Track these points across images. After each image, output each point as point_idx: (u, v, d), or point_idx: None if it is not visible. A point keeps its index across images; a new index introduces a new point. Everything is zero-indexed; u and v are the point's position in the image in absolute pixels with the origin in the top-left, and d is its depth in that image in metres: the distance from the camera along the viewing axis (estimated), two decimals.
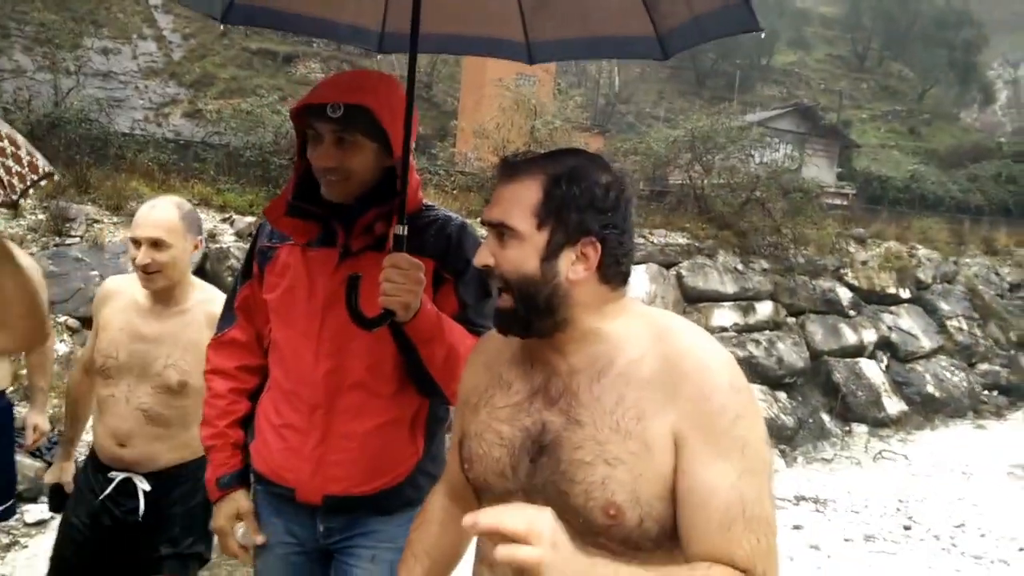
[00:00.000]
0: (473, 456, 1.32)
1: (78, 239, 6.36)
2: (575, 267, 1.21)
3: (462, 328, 1.68)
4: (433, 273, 1.72)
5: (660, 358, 1.20)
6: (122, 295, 2.45)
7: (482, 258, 1.25)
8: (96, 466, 2.46)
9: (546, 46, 2.10)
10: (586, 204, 1.20)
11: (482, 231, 1.43)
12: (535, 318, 1.23)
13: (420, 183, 1.82)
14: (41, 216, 6.44)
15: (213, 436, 1.89)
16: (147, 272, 2.31)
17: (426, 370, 1.64)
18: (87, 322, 5.11)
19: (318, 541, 1.83)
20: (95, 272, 5.93)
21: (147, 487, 2.39)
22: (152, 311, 2.40)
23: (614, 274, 1.24)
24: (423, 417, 1.79)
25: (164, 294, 2.38)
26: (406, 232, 1.61)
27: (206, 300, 2.44)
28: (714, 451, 1.14)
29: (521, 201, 1.21)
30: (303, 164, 1.77)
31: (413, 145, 1.72)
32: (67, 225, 6.43)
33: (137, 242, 2.30)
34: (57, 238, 6.30)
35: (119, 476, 2.39)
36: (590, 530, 1.17)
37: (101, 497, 2.39)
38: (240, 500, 1.88)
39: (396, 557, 1.82)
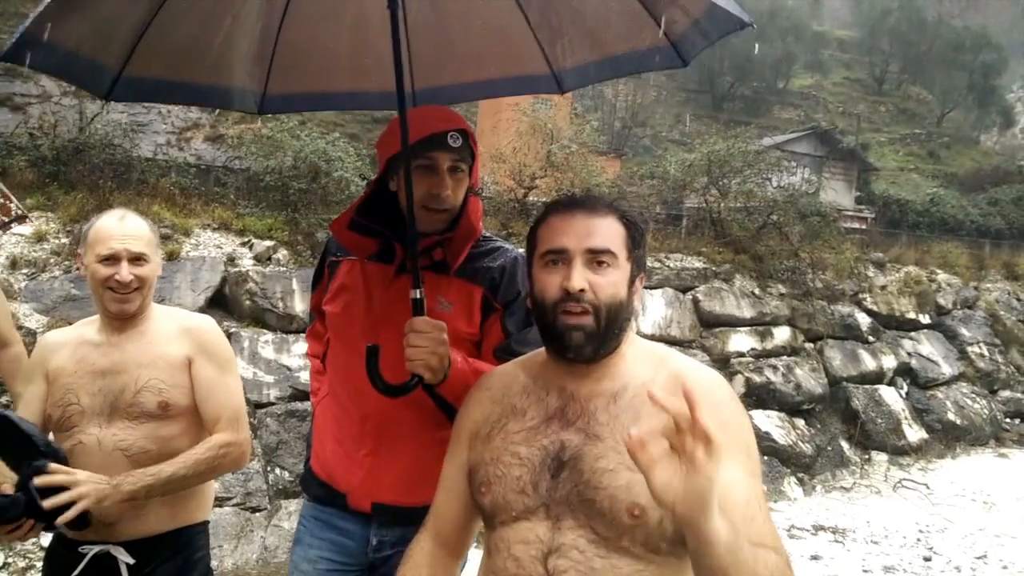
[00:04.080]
0: (491, 479, 1.37)
1: None
2: (634, 297, 1.40)
3: None
4: (482, 302, 1.80)
5: (668, 377, 1.34)
6: (68, 343, 2.13)
7: (579, 283, 1.32)
8: (62, 542, 2.02)
9: (570, 73, 2.16)
10: (642, 243, 1.42)
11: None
12: (609, 339, 1.35)
13: (482, 213, 1.90)
14: (64, 240, 6.54)
15: None
16: (127, 291, 2.03)
17: None
18: None
19: (368, 555, 1.87)
20: None
21: (129, 560, 1.96)
22: (109, 342, 2.10)
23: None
24: None
25: (127, 320, 2.10)
26: (424, 296, 1.64)
27: (170, 317, 2.19)
28: (728, 455, 1.24)
29: (615, 232, 1.37)
30: (372, 190, 1.86)
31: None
32: None
33: (113, 257, 2.02)
34: None
35: (91, 550, 1.93)
36: (615, 532, 1.26)
37: None
38: None
39: None
